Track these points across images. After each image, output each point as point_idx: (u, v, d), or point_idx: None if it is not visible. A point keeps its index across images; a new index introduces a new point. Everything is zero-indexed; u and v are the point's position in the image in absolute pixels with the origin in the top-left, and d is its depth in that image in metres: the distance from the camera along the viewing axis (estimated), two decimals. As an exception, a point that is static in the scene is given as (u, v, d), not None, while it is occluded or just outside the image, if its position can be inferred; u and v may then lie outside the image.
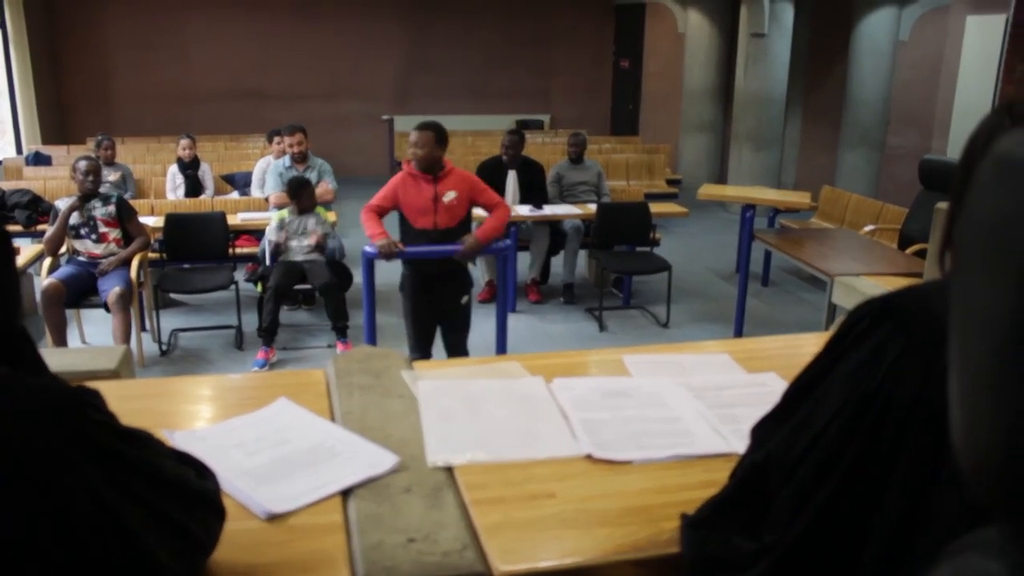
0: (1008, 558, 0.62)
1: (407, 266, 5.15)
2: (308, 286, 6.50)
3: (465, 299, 5.18)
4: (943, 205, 4.15)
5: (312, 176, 7.24)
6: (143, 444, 1.14)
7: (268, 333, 6.19)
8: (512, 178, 7.71)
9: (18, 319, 1.17)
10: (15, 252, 1.20)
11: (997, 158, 0.64)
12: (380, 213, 5.03)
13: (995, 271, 0.62)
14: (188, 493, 1.20)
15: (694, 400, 2.02)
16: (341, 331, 6.34)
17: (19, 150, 11.96)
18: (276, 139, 8.11)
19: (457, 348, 5.29)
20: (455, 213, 4.98)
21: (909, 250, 6.38)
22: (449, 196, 4.95)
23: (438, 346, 5.36)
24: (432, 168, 4.91)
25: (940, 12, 10.70)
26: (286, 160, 7.38)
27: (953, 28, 10.15)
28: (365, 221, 5.02)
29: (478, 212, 5.62)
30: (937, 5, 10.77)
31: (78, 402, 1.06)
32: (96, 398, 1.11)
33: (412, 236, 5.00)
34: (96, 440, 1.05)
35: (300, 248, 6.50)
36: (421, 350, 5.24)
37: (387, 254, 4.86)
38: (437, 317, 5.21)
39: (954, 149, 9.48)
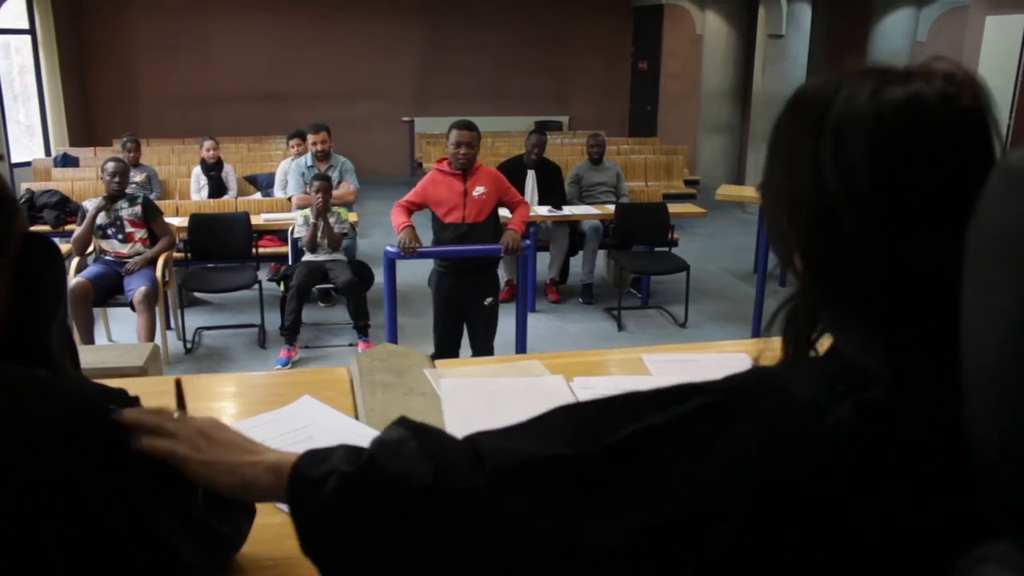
0: None
1: (437, 261, 5.28)
2: (330, 285, 6.57)
3: (489, 301, 5.26)
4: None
5: (334, 175, 7.30)
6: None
7: (291, 332, 6.25)
8: (531, 178, 7.75)
9: (52, 327, 1.19)
10: (59, 259, 1.22)
11: (1006, 170, 0.66)
12: (410, 210, 5.18)
13: (1005, 278, 0.63)
14: (218, 495, 1.22)
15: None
16: (362, 330, 6.39)
17: (47, 152, 12.10)
18: (292, 141, 8.18)
19: (482, 350, 5.37)
20: (483, 208, 5.11)
21: (928, 251, 6.36)
22: (479, 191, 5.08)
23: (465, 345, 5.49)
24: (471, 165, 5.09)
25: (959, 12, 10.65)
26: (307, 159, 7.44)
27: (972, 28, 10.10)
28: (393, 215, 5.16)
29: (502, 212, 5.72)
30: (956, 5, 10.72)
31: (105, 406, 1.08)
32: (134, 403, 1.13)
33: (442, 231, 5.16)
34: (126, 445, 1.07)
35: (320, 248, 6.55)
36: (445, 347, 5.33)
37: (405, 250, 4.96)
38: (463, 316, 5.30)
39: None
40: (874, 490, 0.78)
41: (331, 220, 6.57)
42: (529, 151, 7.70)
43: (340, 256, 6.60)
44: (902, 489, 0.78)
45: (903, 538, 0.78)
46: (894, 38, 10.83)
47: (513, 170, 7.67)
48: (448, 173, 5.10)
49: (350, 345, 6.56)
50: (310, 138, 7.42)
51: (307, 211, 6.63)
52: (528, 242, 5.60)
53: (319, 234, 6.51)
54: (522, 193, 7.66)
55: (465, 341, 5.45)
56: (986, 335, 0.66)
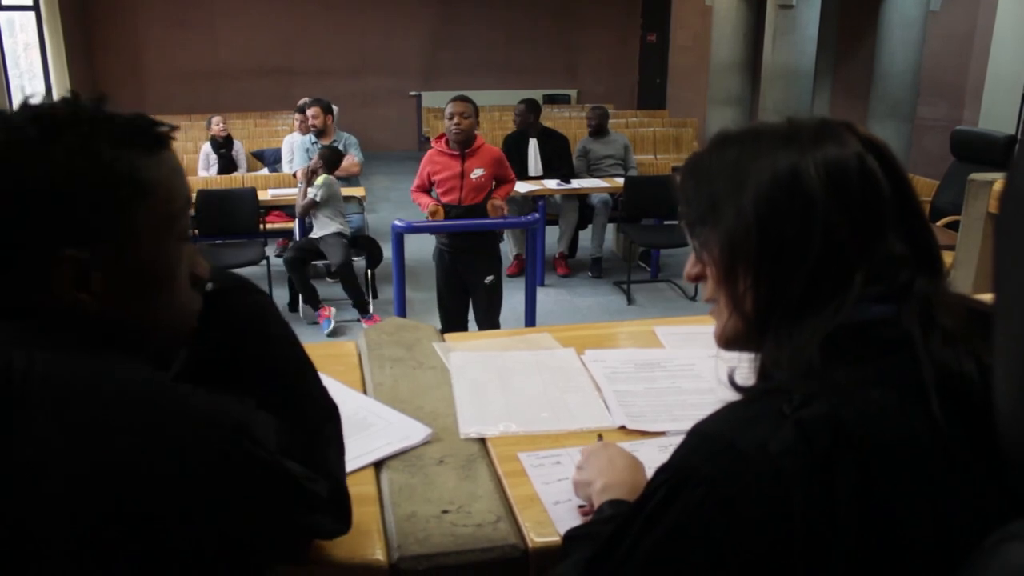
0: None
1: (438, 238, 5.24)
2: (327, 261, 6.53)
3: (490, 279, 5.18)
4: (977, 176, 4.09)
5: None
6: (293, 482, 1.05)
7: (311, 298, 6.28)
8: (533, 147, 7.76)
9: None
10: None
11: None
12: (426, 190, 5.21)
13: None
14: (296, 532, 1.16)
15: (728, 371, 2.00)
16: (362, 308, 6.38)
17: (54, 129, 12.05)
18: (297, 116, 8.14)
19: (484, 326, 5.33)
20: (480, 190, 5.05)
21: (940, 222, 6.32)
22: (477, 173, 5.00)
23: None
24: (468, 142, 4.95)
25: (974, -20, 10.51)
26: (312, 135, 7.42)
27: (987, -3, 9.98)
28: (415, 199, 5.22)
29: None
30: (971, -27, 10.58)
31: (237, 434, 0.98)
32: (262, 427, 1.03)
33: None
34: (241, 481, 0.98)
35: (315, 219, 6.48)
36: (449, 323, 5.30)
37: (433, 213, 5.07)
38: (465, 291, 5.26)
39: (986, 120, 9.33)
40: (838, 499, 0.81)
41: (315, 183, 6.41)
42: (517, 124, 7.88)
43: (338, 227, 6.46)
44: (871, 490, 0.81)
45: (896, 532, 0.82)
46: (906, 8, 10.66)
47: (518, 140, 7.76)
48: (446, 153, 5.01)
49: (357, 320, 6.54)
50: (308, 113, 7.42)
51: (326, 176, 6.59)
52: (536, 215, 5.58)
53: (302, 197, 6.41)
54: (525, 162, 7.70)
55: (472, 316, 5.43)
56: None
